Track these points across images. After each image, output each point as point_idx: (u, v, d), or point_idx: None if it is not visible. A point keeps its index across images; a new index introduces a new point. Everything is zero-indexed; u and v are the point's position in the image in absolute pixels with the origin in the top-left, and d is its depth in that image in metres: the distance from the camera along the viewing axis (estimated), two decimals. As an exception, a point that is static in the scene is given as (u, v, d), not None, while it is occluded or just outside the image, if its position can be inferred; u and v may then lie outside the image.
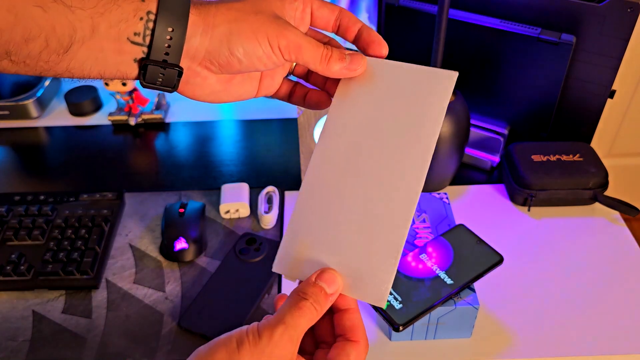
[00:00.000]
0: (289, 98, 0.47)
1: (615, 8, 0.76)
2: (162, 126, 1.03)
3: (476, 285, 0.64)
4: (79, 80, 0.39)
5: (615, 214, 0.82)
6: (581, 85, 0.84)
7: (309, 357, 0.40)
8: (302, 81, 0.48)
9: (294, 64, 0.46)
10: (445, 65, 0.76)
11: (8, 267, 0.73)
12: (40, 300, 0.72)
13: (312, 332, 0.41)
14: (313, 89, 0.46)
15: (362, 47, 0.43)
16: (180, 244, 0.75)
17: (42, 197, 0.83)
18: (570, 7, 0.79)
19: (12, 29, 0.35)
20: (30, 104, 1.03)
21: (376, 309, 0.61)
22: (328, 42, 0.44)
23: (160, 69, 0.39)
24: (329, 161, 0.42)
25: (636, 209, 0.80)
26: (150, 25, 0.38)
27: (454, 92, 0.78)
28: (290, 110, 1.06)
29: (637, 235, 0.80)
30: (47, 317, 0.70)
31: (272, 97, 0.47)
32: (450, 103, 0.77)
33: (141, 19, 0.38)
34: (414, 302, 0.60)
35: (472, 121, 0.89)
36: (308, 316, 0.37)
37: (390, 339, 0.66)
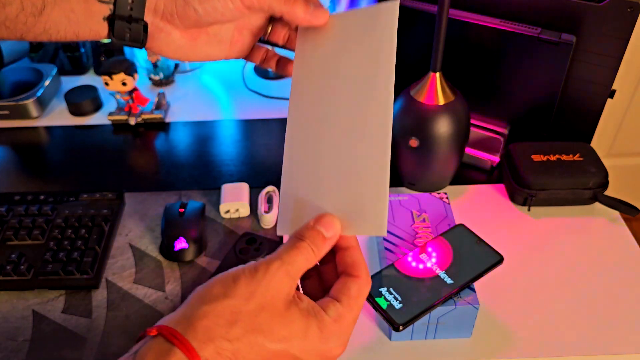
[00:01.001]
0: (262, 63, 0.49)
1: (615, 8, 0.76)
2: (162, 126, 1.03)
3: (476, 285, 0.64)
4: (57, 42, 0.46)
5: (615, 213, 0.82)
6: (581, 85, 0.84)
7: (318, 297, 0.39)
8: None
9: (267, 28, 0.48)
10: (445, 65, 0.77)
11: (8, 267, 0.73)
12: (40, 300, 0.72)
13: (319, 279, 0.42)
14: (284, 57, 0.48)
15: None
16: (180, 244, 0.75)
17: (42, 197, 0.83)
18: (570, 6, 0.79)
19: None
20: (30, 103, 1.03)
21: (376, 308, 0.61)
22: None
23: (126, 24, 0.43)
24: (303, 117, 0.43)
25: (636, 208, 0.80)
26: None
27: (454, 92, 0.78)
28: (290, 110, 1.06)
29: (637, 235, 0.81)
30: (47, 316, 0.70)
31: (245, 59, 0.49)
32: (450, 102, 0.77)
33: None
34: (414, 301, 0.61)
35: (472, 121, 0.89)
36: (305, 255, 0.37)
37: (390, 338, 0.67)
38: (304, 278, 0.40)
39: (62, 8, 0.41)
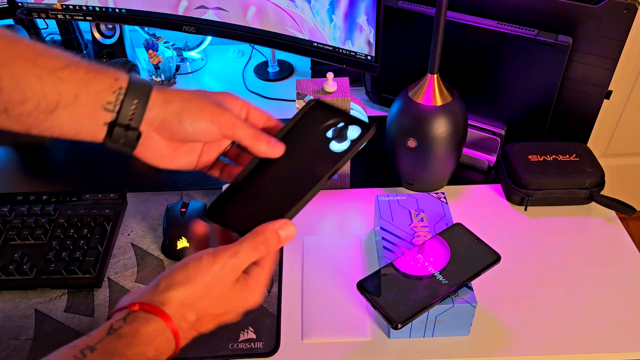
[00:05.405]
0: (220, 174, 0.57)
1: (611, 9, 0.76)
2: (163, 127, 1.04)
3: (474, 283, 0.65)
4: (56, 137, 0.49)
5: (612, 213, 0.83)
6: (578, 86, 0.85)
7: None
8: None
9: (228, 147, 0.57)
10: (443, 67, 0.77)
11: (11, 267, 0.74)
12: (43, 299, 0.73)
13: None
14: (237, 168, 0.57)
15: None
16: (182, 243, 0.76)
17: (44, 197, 0.84)
18: (567, 8, 0.79)
19: (13, 91, 0.46)
20: (32, 105, 1.04)
21: (375, 307, 0.61)
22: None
23: (124, 131, 0.49)
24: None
25: (632, 208, 0.80)
26: (121, 97, 0.49)
27: (452, 93, 0.79)
28: (290, 111, 1.07)
29: (633, 234, 0.81)
30: (49, 315, 0.71)
31: (206, 172, 0.57)
32: (447, 103, 0.78)
33: (114, 92, 0.48)
34: (412, 300, 0.61)
35: (470, 121, 0.90)
36: (259, 253, 0.48)
37: (389, 336, 0.67)
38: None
39: (71, 111, 0.47)
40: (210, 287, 0.47)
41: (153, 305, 0.45)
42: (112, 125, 0.49)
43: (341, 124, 0.55)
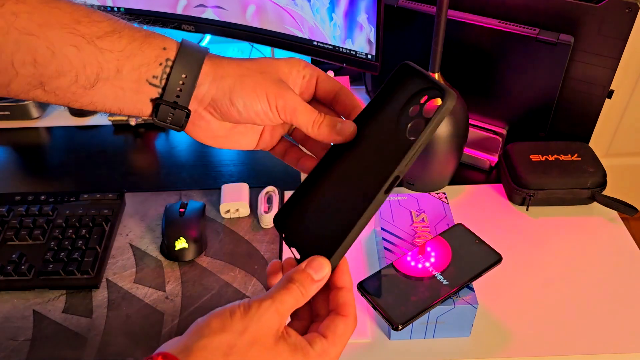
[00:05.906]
0: (283, 157, 0.51)
1: (613, 8, 0.76)
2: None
3: (475, 284, 0.64)
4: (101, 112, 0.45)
5: (614, 213, 0.82)
6: (579, 85, 0.84)
7: (306, 324, 0.43)
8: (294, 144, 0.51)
9: (293, 126, 0.50)
10: (444, 66, 0.77)
11: (9, 267, 0.73)
12: (41, 299, 0.72)
13: (309, 306, 0.44)
14: (307, 155, 0.50)
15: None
16: (181, 244, 0.75)
17: (42, 197, 0.83)
18: (568, 7, 0.79)
19: (49, 63, 0.41)
20: (30, 104, 1.03)
21: (375, 308, 0.61)
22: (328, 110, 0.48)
23: (170, 109, 0.44)
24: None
25: (634, 208, 0.80)
26: (168, 70, 0.43)
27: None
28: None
29: (635, 235, 0.81)
30: (47, 316, 0.70)
31: (269, 151, 0.51)
32: (449, 103, 0.77)
33: (160, 64, 0.43)
34: (413, 301, 0.61)
35: (471, 121, 0.89)
36: (294, 296, 0.40)
37: (389, 337, 0.67)
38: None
39: (113, 85, 0.43)
40: (247, 335, 0.38)
41: (175, 357, 0.36)
42: (158, 102, 0.44)
43: (422, 96, 0.42)
